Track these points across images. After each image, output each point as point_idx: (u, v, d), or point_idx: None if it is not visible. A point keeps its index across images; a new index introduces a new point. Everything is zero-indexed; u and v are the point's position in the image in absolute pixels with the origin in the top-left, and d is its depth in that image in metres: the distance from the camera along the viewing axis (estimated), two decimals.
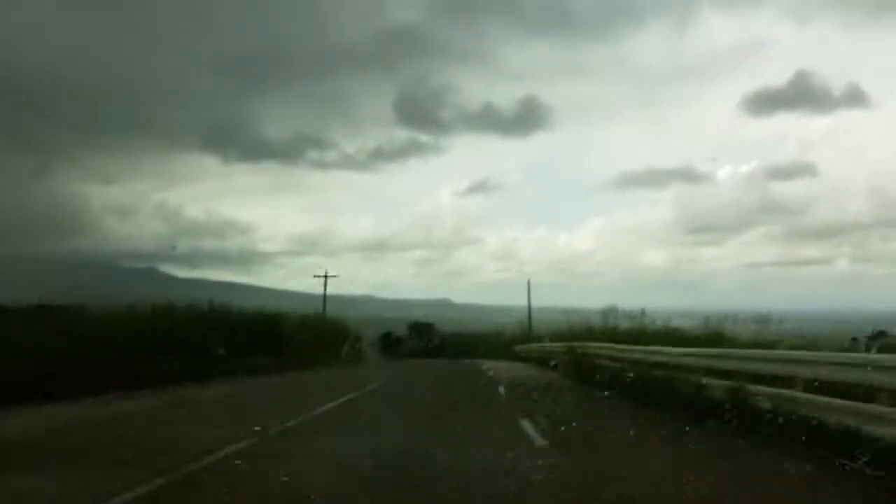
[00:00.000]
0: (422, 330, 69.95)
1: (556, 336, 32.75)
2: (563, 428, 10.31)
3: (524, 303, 59.62)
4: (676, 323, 22.88)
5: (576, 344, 23.99)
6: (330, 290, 61.25)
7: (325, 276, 63.92)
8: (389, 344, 63.95)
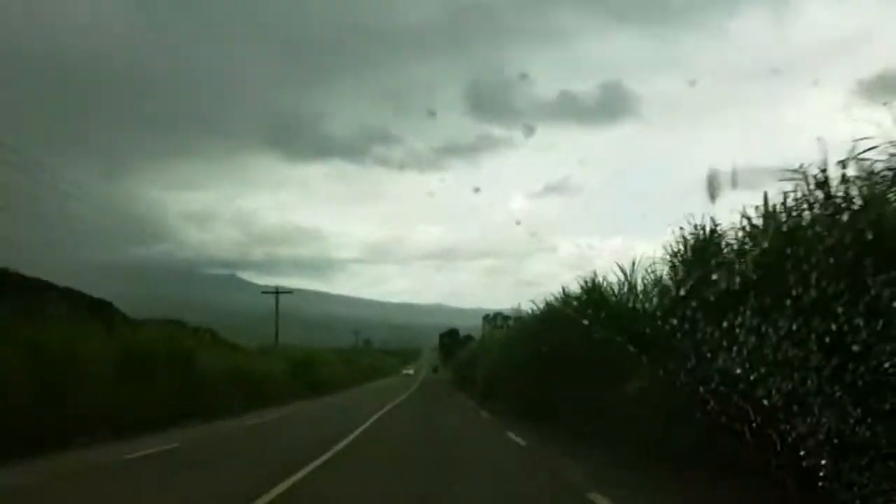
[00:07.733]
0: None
1: None
2: None
3: None
4: None
5: None
6: (401, 299, 64.41)
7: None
8: (450, 345, 55.44)
